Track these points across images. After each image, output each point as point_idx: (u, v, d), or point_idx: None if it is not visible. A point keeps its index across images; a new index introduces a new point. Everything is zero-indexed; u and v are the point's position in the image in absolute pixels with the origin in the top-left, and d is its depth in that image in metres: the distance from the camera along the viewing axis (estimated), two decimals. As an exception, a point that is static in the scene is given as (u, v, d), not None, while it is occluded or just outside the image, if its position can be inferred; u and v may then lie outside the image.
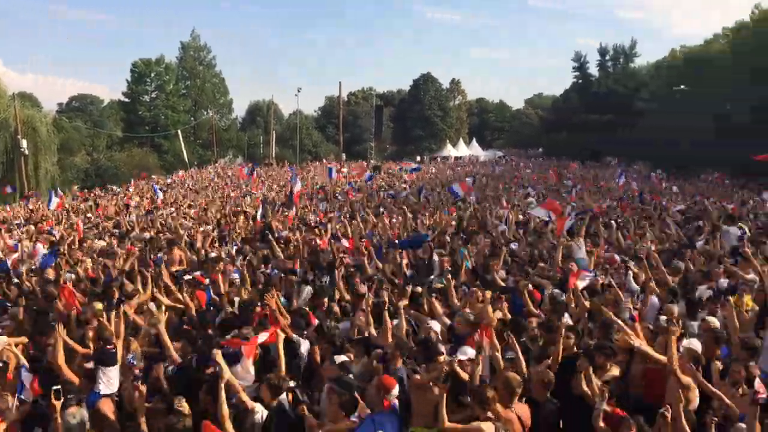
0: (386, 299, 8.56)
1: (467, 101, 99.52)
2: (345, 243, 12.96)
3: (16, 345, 7.30)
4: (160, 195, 22.06)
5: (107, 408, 6.29)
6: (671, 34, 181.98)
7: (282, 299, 9.07)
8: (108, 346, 6.87)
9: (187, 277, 10.37)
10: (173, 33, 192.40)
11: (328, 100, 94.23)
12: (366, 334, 7.76)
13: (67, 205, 26.03)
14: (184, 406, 5.77)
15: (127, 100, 72.33)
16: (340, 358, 6.75)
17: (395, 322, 7.79)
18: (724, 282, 9.59)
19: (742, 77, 44.32)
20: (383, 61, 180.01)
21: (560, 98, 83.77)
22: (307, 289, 10.10)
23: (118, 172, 55.28)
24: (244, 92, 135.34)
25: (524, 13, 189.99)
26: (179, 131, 63.36)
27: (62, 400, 5.64)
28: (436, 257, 12.07)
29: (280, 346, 6.89)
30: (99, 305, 8.39)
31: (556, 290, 9.32)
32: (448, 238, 14.25)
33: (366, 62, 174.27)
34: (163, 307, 8.65)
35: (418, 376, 6.27)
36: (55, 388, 5.63)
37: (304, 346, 7.61)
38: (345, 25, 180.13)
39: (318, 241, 13.74)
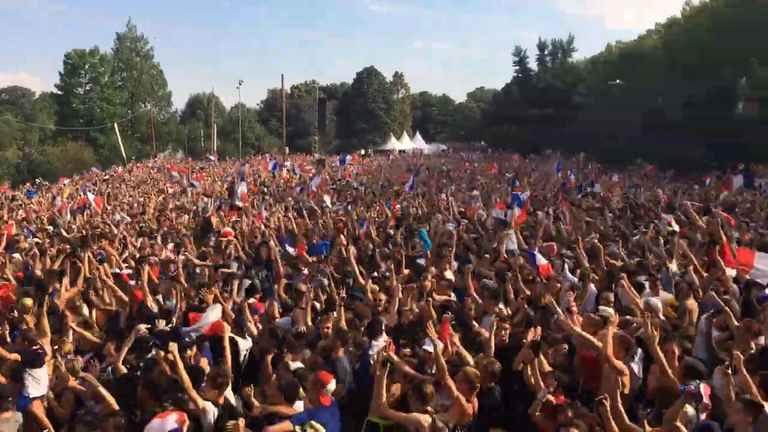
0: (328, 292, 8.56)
1: (411, 95, 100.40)
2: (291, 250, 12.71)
3: None
4: (91, 197, 21.32)
5: (39, 411, 6.07)
6: (608, 30, 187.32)
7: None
8: (34, 347, 6.54)
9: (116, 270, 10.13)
10: (108, 24, 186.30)
11: (271, 93, 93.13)
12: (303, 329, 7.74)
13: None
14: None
15: (60, 92, 69.51)
16: (296, 364, 6.63)
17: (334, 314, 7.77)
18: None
19: (674, 73, 45.69)
20: (326, 54, 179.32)
21: (501, 92, 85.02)
22: (247, 284, 10.01)
23: (51, 167, 53.10)
24: (183, 85, 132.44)
25: (467, 6, 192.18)
26: (116, 125, 61.45)
27: None
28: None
29: (226, 339, 6.79)
30: (28, 301, 8.06)
31: (489, 280, 9.45)
32: (390, 232, 14.30)
33: (309, 55, 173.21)
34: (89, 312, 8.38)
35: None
36: None
37: (244, 344, 7.48)
38: (287, 17, 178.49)
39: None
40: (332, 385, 5.72)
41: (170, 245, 14.09)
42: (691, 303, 7.86)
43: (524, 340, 6.51)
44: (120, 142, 58.95)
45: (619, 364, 5.94)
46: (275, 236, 13.33)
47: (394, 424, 5.56)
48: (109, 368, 6.68)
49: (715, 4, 46.79)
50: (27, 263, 11.86)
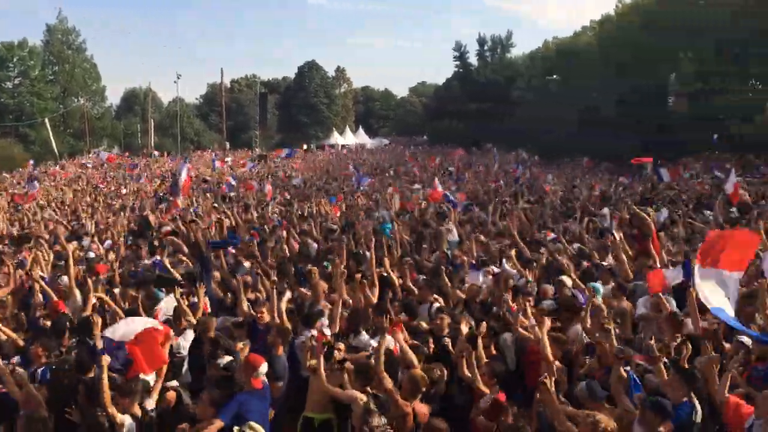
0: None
1: (353, 89, 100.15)
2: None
3: None
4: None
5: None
6: (547, 25, 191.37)
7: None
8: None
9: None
10: (37, 15, 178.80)
11: (211, 88, 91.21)
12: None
13: None
14: None
15: (-13, 87, 66.41)
16: (225, 359, 6.55)
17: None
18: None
19: (608, 70, 46.71)
20: (268, 48, 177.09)
21: (442, 87, 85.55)
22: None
23: (-22, 165, 50.65)
24: (119, 79, 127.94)
25: (407, 1, 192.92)
26: (47, 120, 58.91)
27: None
28: (314, 244, 12.40)
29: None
30: None
31: (422, 275, 9.55)
32: (333, 227, 14.35)
33: (249, 49, 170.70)
34: None
35: (311, 362, 6.22)
36: None
37: (185, 340, 7.35)
38: (227, 10, 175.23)
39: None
40: (264, 368, 5.74)
41: (107, 243, 13.80)
42: (627, 304, 8.05)
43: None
44: (52, 138, 56.68)
45: (558, 364, 6.09)
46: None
47: (328, 418, 5.62)
48: (39, 370, 6.45)
49: (646, 2, 48.17)
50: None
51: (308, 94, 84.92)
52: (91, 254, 12.37)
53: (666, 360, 5.65)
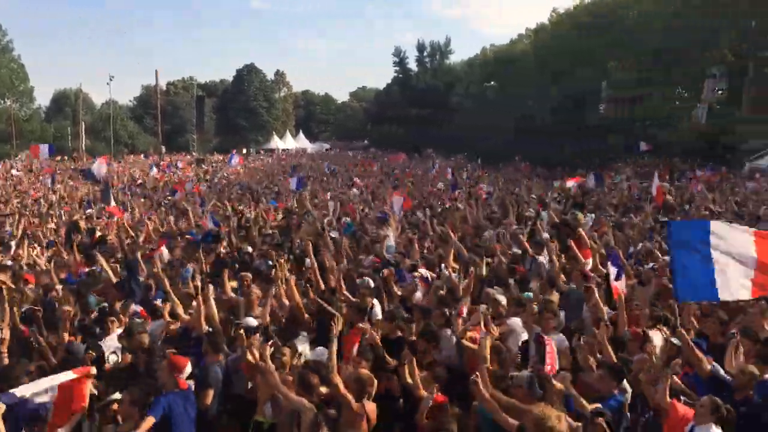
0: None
1: (293, 93, 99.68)
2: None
3: None
4: None
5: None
6: (485, 32, 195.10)
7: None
8: None
9: None
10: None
11: (145, 90, 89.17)
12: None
13: None
14: None
15: None
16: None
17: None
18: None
19: (544, 78, 48.11)
20: (205, 50, 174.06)
21: (383, 92, 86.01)
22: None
23: None
24: (48, 80, 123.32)
25: (347, 6, 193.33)
26: (-30, 121, 56.43)
27: None
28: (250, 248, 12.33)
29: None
30: None
31: (366, 278, 9.56)
32: (270, 231, 14.33)
33: (186, 51, 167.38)
34: None
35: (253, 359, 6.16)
36: None
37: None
38: (163, 8, 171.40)
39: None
40: (188, 368, 5.72)
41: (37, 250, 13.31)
42: (555, 296, 8.32)
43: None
44: (-25, 141, 54.18)
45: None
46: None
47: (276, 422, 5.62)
48: None
49: (578, 11, 49.82)
50: None
51: (247, 98, 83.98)
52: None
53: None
